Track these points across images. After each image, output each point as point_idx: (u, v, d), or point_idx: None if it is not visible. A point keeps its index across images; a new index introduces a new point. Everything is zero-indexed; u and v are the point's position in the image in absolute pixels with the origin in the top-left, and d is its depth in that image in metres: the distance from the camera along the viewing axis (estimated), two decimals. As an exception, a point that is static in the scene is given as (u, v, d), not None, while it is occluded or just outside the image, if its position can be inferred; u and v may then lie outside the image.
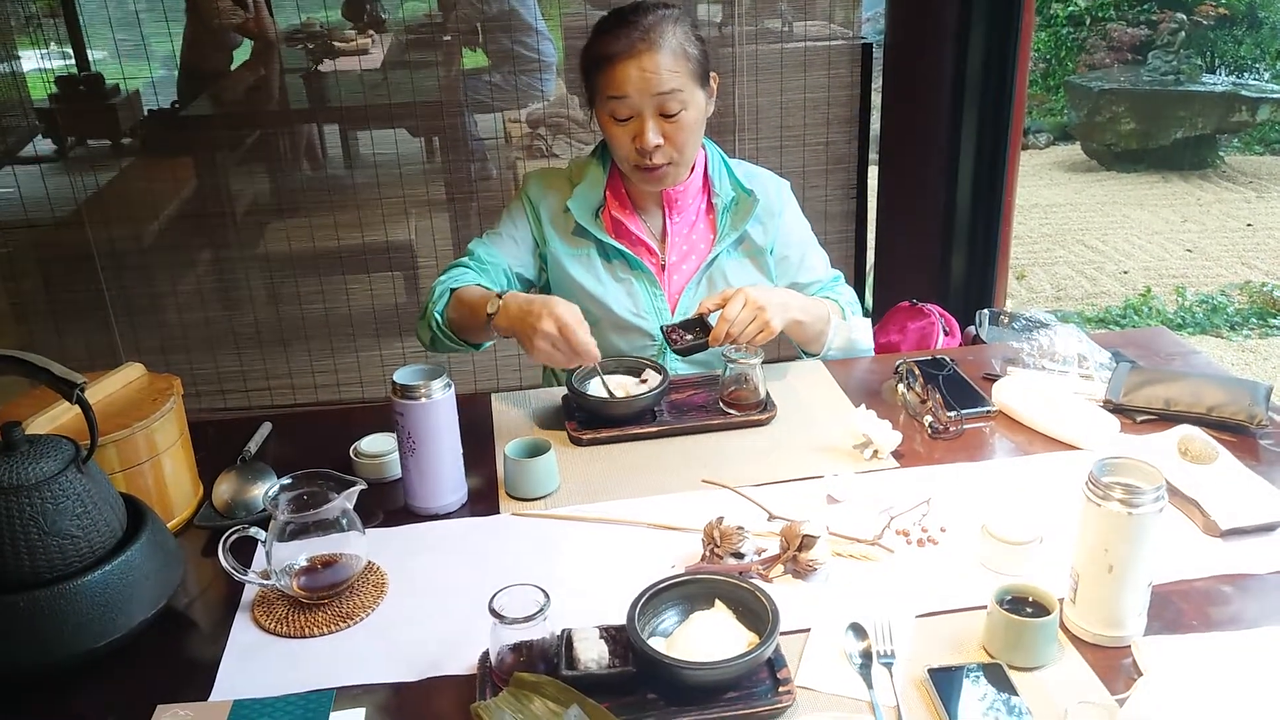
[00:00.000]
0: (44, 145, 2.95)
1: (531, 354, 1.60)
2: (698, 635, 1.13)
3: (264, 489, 1.45)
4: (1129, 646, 1.16)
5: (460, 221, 3.02)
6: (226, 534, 1.27)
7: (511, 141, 3.03)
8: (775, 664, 1.12)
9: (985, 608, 1.17)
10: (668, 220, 1.86)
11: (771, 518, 1.40)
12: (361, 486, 1.29)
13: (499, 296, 1.64)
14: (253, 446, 1.64)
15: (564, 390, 1.73)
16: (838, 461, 1.55)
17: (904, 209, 2.98)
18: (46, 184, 2.85)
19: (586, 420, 1.66)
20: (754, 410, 1.67)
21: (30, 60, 2.88)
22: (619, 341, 1.85)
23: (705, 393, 1.75)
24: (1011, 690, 1.09)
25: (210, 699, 1.14)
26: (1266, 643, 1.16)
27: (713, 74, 1.78)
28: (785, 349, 1.95)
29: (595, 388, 1.68)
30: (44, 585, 1.13)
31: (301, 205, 2.97)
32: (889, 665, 1.14)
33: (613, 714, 1.03)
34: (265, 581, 1.28)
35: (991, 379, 1.76)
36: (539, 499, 1.49)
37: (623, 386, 1.70)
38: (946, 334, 2.39)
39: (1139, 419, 1.64)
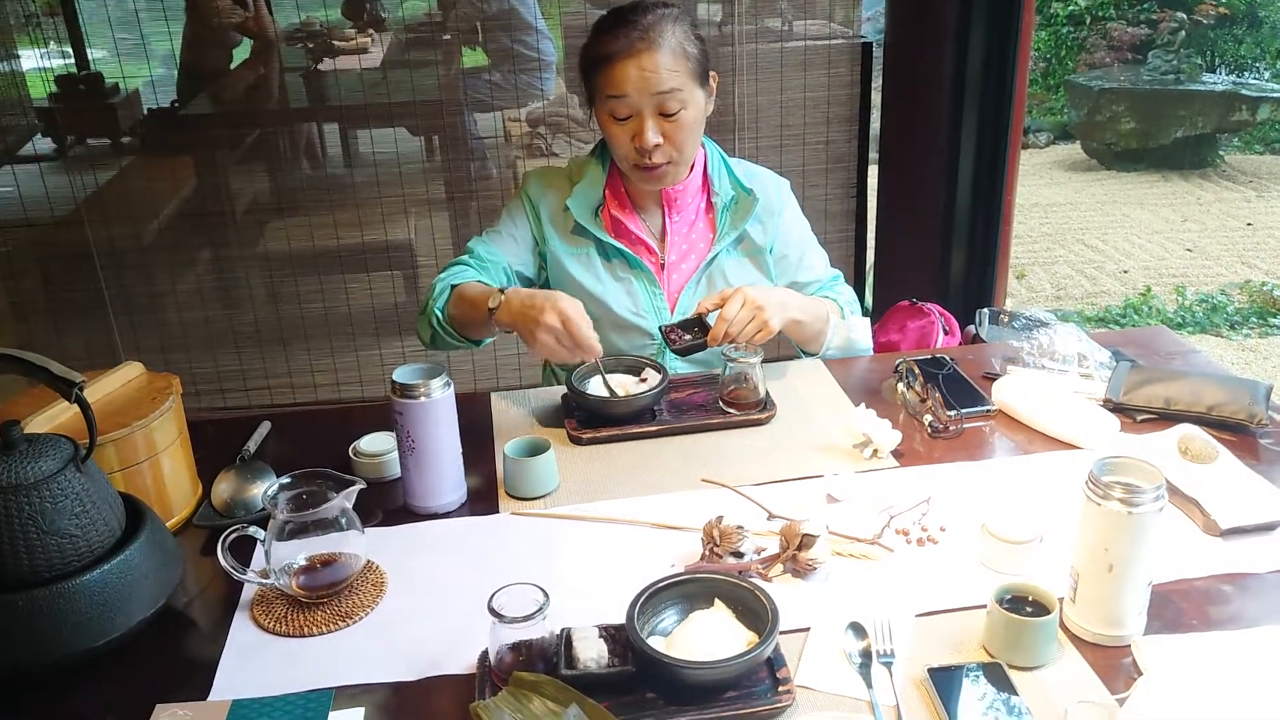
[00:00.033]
0: (43, 144, 2.95)
1: (533, 348, 1.60)
2: (697, 634, 1.13)
3: (263, 488, 1.45)
4: (1129, 646, 1.16)
5: (460, 220, 3.02)
6: (225, 533, 1.27)
7: (511, 140, 3.03)
8: (775, 663, 1.12)
9: (985, 607, 1.17)
10: (667, 219, 1.86)
11: (771, 517, 1.40)
12: (361, 486, 1.28)
13: (501, 291, 1.65)
14: (252, 446, 1.63)
15: (563, 389, 1.73)
16: (837, 461, 1.55)
17: (904, 208, 2.98)
18: (46, 183, 2.85)
19: (586, 419, 1.66)
20: (754, 409, 1.67)
21: (30, 59, 2.88)
22: (618, 340, 1.85)
23: (705, 392, 1.75)
24: (1011, 690, 1.09)
25: (209, 698, 1.14)
26: (1266, 642, 1.15)
27: (712, 73, 1.78)
28: (784, 348, 1.94)
29: (595, 387, 1.68)
30: (43, 584, 1.13)
31: (301, 204, 2.97)
32: (889, 665, 1.14)
33: (612, 713, 1.03)
34: (264, 581, 1.28)
35: (991, 378, 1.76)
36: (538, 498, 1.49)
37: (622, 385, 1.70)
38: (946, 333, 2.39)
39: (1139, 418, 1.64)
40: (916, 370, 1.71)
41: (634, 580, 1.20)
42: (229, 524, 1.31)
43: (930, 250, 2.94)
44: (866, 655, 1.15)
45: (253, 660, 1.20)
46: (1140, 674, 1.12)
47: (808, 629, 1.20)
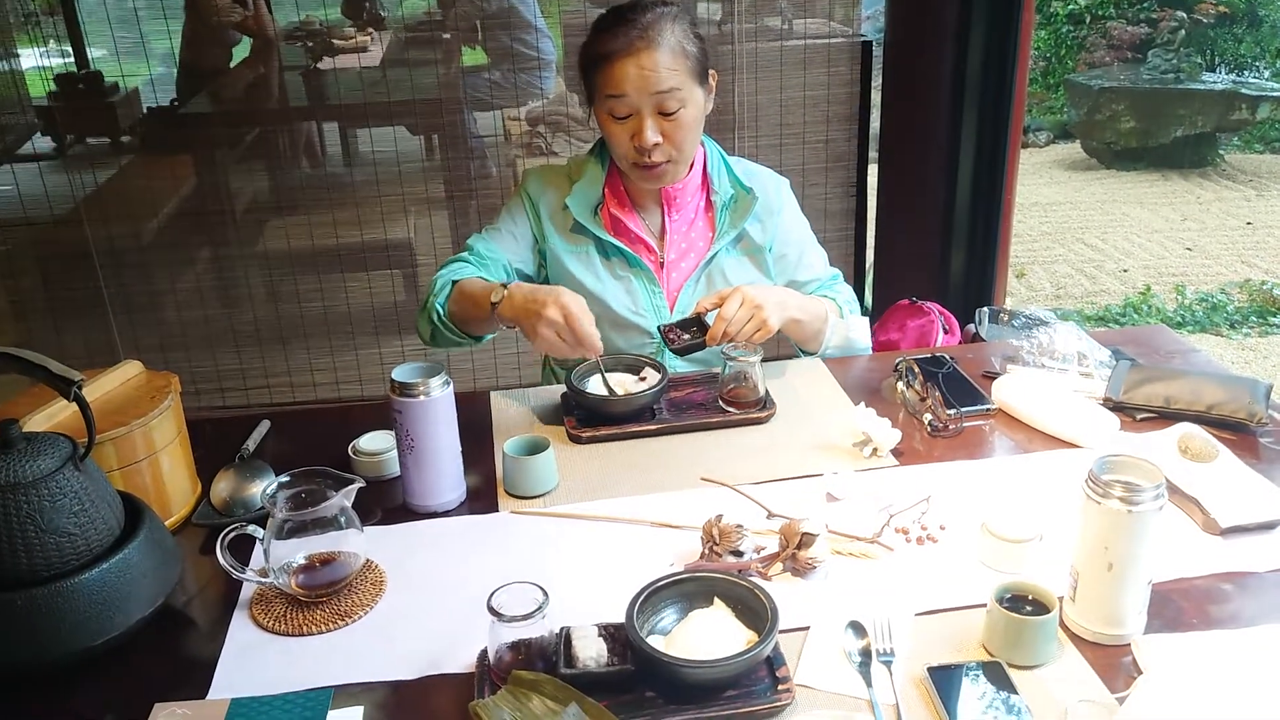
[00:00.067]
0: (43, 143, 2.95)
1: (535, 342, 1.60)
2: (697, 633, 1.13)
3: (262, 487, 1.45)
4: (1129, 645, 1.16)
5: (459, 219, 3.02)
6: (224, 532, 1.27)
7: (511, 139, 3.04)
8: (774, 662, 1.12)
9: (985, 606, 1.17)
10: (666, 218, 1.86)
11: (771, 515, 1.40)
12: (360, 484, 1.28)
13: (503, 286, 1.65)
14: (251, 444, 1.63)
15: (563, 388, 1.73)
16: (837, 459, 1.55)
17: (904, 207, 2.98)
18: (45, 182, 2.85)
19: (586, 418, 1.66)
20: (753, 408, 1.67)
21: (29, 58, 2.88)
22: (617, 339, 1.85)
23: (704, 391, 1.75)
24: (1011, 689, 1.09)
25: (208, 697, 1.14)
26: (1266, 641, 1.15)
27: (712, 72, 1.78)
28: (784, 347, 1.94)
29: (595, 385, 1.68)
30: (41, 583, 1.12)
31: (300, 203, 2.96)
32: (888, 663, 1.14)
33: (611, 712, 1.03)
34: (263, 579, 1.28)
35: (991, 377, 1.76)
36: (538, 497, 1.49)
37: (622, 384, 1.69)
38: (946, 332, 2.39)
39: (1139, 417, 1.64)
40: (916, 369, 1.71)
41: (633, 579, 1.19)
42: (228, 523, 1.31)
43: (930, 249, 2.94)
44: (866, 654, 1.15)
45: (252, 659, 1.20)
46: (1140, 673, 1.12)
47: (807, 628, 1.20)
